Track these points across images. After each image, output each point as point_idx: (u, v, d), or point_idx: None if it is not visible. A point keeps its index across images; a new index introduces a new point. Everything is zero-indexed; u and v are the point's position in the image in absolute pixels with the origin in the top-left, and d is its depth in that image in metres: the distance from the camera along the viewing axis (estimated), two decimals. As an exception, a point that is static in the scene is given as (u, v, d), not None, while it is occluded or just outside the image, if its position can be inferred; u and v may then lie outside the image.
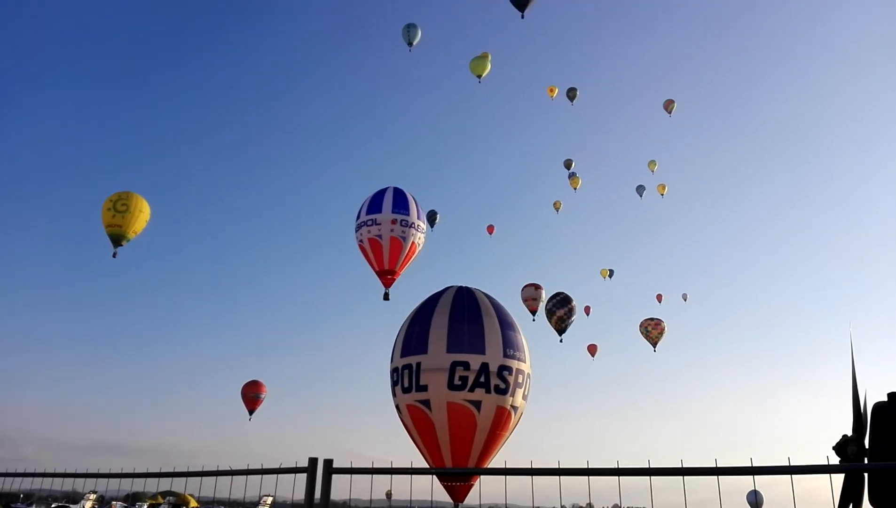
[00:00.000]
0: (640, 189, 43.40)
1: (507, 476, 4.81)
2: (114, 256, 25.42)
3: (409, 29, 33.18)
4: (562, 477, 4.48)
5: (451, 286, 17.76)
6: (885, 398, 6.39)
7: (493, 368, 16.32)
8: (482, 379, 16.28)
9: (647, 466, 4.19)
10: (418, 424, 16.60)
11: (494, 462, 17.21)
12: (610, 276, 44.82)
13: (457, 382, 16.25)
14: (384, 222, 22.48)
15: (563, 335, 34.37)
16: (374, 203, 22.92)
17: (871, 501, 5.98)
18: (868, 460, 6.08)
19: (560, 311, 33.91)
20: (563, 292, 34.64)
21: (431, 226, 37.83)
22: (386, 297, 23.84)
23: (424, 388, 16.45)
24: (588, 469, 4.37)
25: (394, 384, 17.13)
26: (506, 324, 16.95)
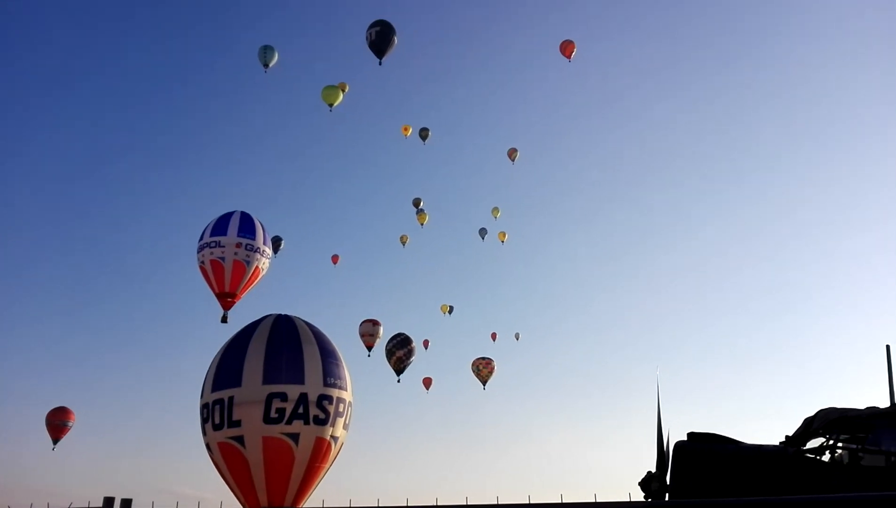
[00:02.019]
0: (483, 232, 45.12)
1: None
2: None
3: (266, 51, 32.32)
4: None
5: (270, 315, 16.90)
6: (685, 438, 6.81)
7: (313, 398, 15.66)
8: (300, 410, 15.55)
9: (465, 503, 4.17)
10: (231, 463, 15.48)
11: (314, 496, 16.56)
12: (450, 312, 45.70)
13: (273, 415, 15.39)
14: (228, 244, 22.22)
15: (401, 375, 34.72)
16: (220, 226, 22.61)
17: None
18: (668, 494, 6.40)
19: (399, 352, 34.20)
20: (403, 334, 34.90)
21: (275, 252, 36.86)
22: (224, 319, 23.58)
23: (237, 423, 15.38)
24: (408, 506, 4.28)
25: (204, 421, 15.90)
26: (326, 352, 16.36)
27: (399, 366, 34.26)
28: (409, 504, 4.34)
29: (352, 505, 4.27)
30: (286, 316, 16.88)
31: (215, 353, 16.63)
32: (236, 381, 15.59)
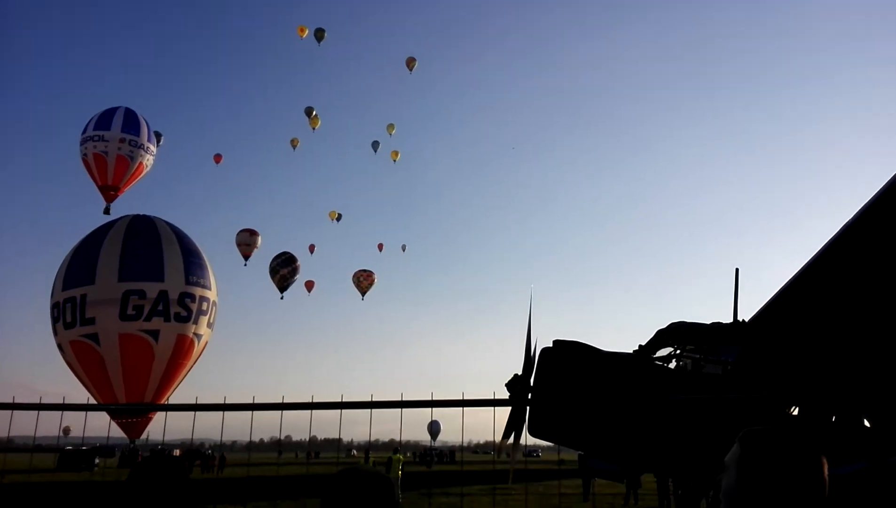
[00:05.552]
0: (376, 145, 44.30)
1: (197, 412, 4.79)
2: None
3: None
4: (255, 412, 4.59)
5: (127, 215, 16.18)
6: (551, 344, 7.43)
7: (174, 295, 15.27)
8: (160, 307, 15.19)
9: (339, 400, 4.38)
10: (84, 361, 14.91)
11: (182, 393, 16.43)
12: (338, 219, 45.20)
13: (130, 312, 14.92)
14: (112, 139, 21.70)
15: (285, 292, 35.03)
16: (103, 120, 22.05)
17: (531, 431, 7.01)
18: (532, 396, 7.04)
19: (284, 270, 34.40)
20: (288, 252, 35.00)
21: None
22: (107, 211, 23.79)
23: (91, 321, 14.74)
24: (282, 403, 4.40)
25: (55, 320, 15.08)
26: (189, 251, 15.86)
27: (283, 284, 34.67)
28: (285, 401, 4.49)
29: (226, 401, 4.36)
30: (145, 216, 16.16)
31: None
32: (89, 279, 14.87)
